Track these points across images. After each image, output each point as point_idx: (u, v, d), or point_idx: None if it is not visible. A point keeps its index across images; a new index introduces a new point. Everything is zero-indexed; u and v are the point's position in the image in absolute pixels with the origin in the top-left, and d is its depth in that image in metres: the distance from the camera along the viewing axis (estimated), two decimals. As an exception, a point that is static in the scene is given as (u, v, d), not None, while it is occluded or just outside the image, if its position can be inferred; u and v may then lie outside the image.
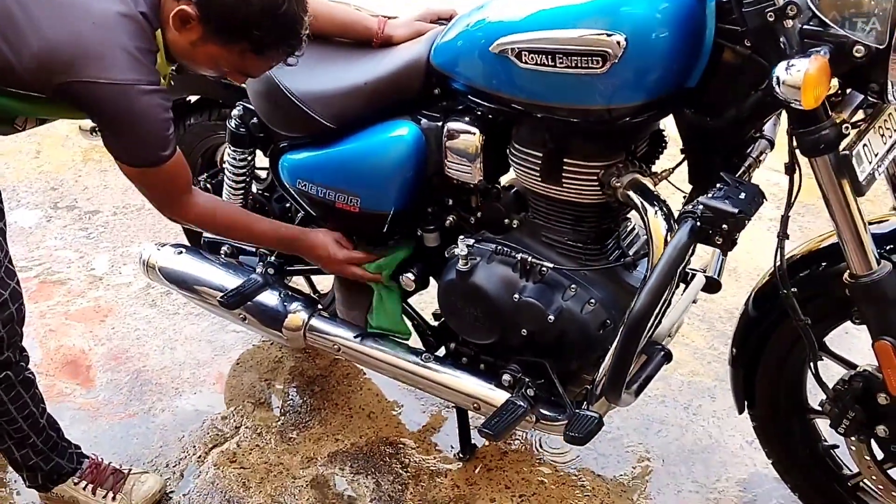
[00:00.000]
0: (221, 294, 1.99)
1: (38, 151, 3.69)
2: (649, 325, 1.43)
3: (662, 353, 1.67)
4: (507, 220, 1.76)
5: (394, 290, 1.93)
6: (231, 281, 2.07)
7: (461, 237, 1.75)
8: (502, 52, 1.49)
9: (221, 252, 2.19)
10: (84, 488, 2.03)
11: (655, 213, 1.51)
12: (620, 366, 1.45)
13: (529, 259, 1.67)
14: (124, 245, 3.06)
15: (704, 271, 1.82)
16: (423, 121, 1.75)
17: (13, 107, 1.61)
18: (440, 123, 1.72)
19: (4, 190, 3.43)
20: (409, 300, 1.99)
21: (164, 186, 1.71)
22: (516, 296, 1.68)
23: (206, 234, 2.24)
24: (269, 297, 2.04)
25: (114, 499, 2.03)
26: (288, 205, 2.13)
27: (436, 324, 1.98)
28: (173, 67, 1.67)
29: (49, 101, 1.56)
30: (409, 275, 1.88)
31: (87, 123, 2.20)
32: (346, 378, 2.39)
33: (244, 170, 2.04)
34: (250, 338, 2.55)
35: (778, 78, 1.23)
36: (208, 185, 2.22)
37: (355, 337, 1.97)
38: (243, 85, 1.92)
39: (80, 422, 2.31)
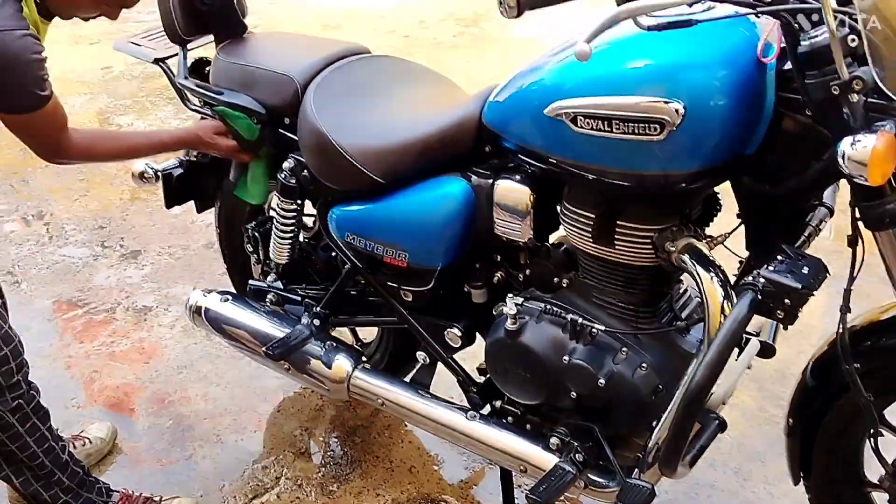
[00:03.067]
0: (267, 345, 1.99)
1: (87, 190, 3.76)
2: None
3: (717, 421, 1.63)
4: (556, 279, 1.74)
5: (262, 169, 2.06)
6: (276, 330, 2.07)
7: (509, 295, 1.73)
8: (557, 116, 1.48)
9: (266, 300, 2.20)
10: None
11: (711, 279, 1.48)
12: (677, 440, 1.42)
13: (580, 320, 1.64)
14: (168, 286, 3.09)
15: (758, 334, 1.77)
16: (474, 178, 1.74)
17: None
18: (490, 181, 1.71)
19: (52, 225, 3.53)
20: (455, 356, 1.97)
21: (47, 129, 1.75)
22: (566, 358, 1.65)
23: (252, 282, 2.25)
24: (314, 348, 2.04)
25: None
26: (333, 254, 2.13)
27: (481, 380, 1.95)
28: (48, 22, 1.72)
29: None
30: (455, 330, 1.87)
31: (137, 169, 2.22)
32: (387, 429, 2.37)
33: (292, 220, 2.05)
34: (291, 384, 2.54)
35: (843, 152, 1.20)
36: (256, 234, 2.23)
37: (400, 391, 1.95)
38: (294, 137, 1.94)
39: (122, 466, 2.32)
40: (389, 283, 1.92)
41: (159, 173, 2.23)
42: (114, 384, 2.62)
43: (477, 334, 1.91)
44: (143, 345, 2.78)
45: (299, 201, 2.02)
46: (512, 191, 1.68)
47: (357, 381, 2.00)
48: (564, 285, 1.73)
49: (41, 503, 1.99)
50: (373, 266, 1.90)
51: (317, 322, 2.04)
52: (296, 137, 1.95)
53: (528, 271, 1.78)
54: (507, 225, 1.70)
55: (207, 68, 2.20)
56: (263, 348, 1.99)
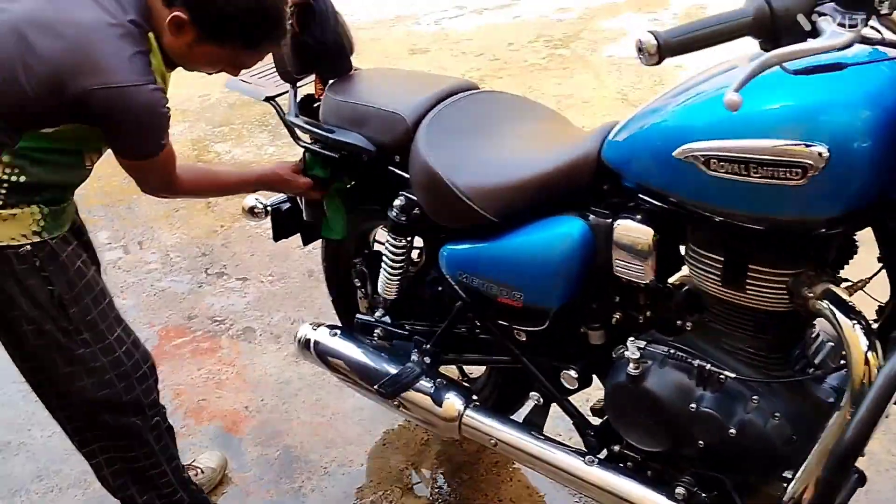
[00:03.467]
0: (379, 383, 1.98)
1: (189, 217, 3.85)
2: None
3: (856, 476, 1.54)
4: (679, 322, 1.68)
5: (336, 205, 2.16)
6: (385, 366, 2.07)
7: (631, 339, 1.68)
8: (687, 158, 1.43)
9: (374, 335, 2.20)
10: None
11: (853, 326, 1.40)
12: (826, 498, 1.35)
13: (707, 366, 1.58)
14: (271, 314, 3.12)
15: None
16: (592, 217, 1.70)
17: (60, 145, 1.66)
18: (609, 220, 1.67)
19: (157, 252, 3.62)
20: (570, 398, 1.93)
21: (161, 171, 1.80)
22: (693, 405, 1.59)
23: (359, 316, 2.25)
24: (424, 385, 2.02)
25: None
26: (440, 288, 2.12)
27: (597, 422, 1.90)
28: (171, 70, 1.75)
29: (75, 126, 1.63)
30: (572, 372, 1.83)
31: (248, 204, 2.26)
32: (494, 466, 2.34)
33: (402, 257, 2.04)
34: (395, 416, 2.54)
35: None
36: (364, 269, 2.24)
37: (514, 432, 1.92)
38: (404, 174, 1.94)
39: (232, 497, 2.35)
40: (502, 322, 1.89)
41: (269, 208, 2.26)
42: (221, 413, 2.66)
43: (593, 376, 1.87)
44: (249, 373, 2.82)
45: (409, 238, 2.01)
46: (633, 231, 1.63)
47: (469, 421, 1.98)
48: (688, 328, 1.67)
49: None
50: (485, 305, 1.87)
51: (427, 360, 2.02)
52: (406, 175, 1.95)
53: (648, 313, 1.73)
54: (627, 266, 1.66)
55: (315, 104, 2.23)
56: (376, 386, 1.99)
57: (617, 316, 1.77)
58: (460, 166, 1.81)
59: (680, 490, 1.67)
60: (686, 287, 1.69)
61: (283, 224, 2.34)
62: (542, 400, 1.94)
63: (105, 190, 4.01)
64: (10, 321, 1.74)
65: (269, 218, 2.29)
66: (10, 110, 1.59)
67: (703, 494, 1.64)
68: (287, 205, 2.30)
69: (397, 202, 1.95)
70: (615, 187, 1.67)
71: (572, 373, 1.83)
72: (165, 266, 3.50)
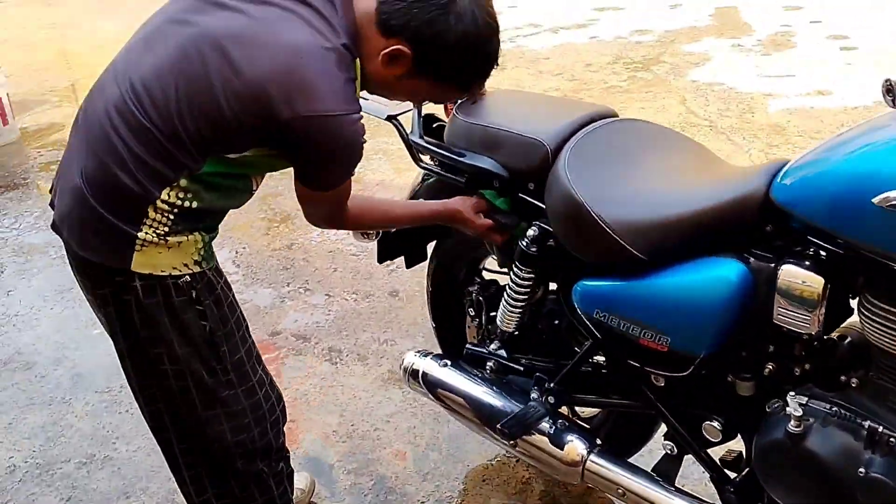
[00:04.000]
0: (501, 423, 1.88)
1: (268, 228, 3.79)
2: None
3: None
4: (842, 377, 1.55)
5: None
6: (503, 403, 1.97)
7: (791, 394, 1.56)
8: (890, 207, 1.31)
9: (486, 367, 2.09)
10: None
11: None
12: None
13: (880, 429, 1.46)
14: (356, 333, 3.04)
15: None
16: (753, 260, 1.58)
17: (236, 170, 1.58)
18: (773, 265, 1.55)
19: (239, 263, 3.56)
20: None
21: (335, 203, 1.70)
22: (861, 470, 1.47)
23: (470, 347, 2.15)
24: (544, 426, 1.92)
25: None
26: (557, 322, 2.02)
27: (734, 476, 1.78)
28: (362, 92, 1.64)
29: (262, 152, 1.54)
30: (716, 424, 1.71)
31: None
32: (603, 511, 2.23)
33: (527, 289, 1.94)
34: (493, 449, 2.43)
35: None
36: (479, 298, 2.14)
37: (645, 483, 1.81)
38: (537, 203, 1.84)
39: (327, 529, 2.26)
40: (639, 365, 1.78)
41: (380, 231, 2.18)
42: (311, 436, 2.57)
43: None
44: (337, 395, 2.73)
45: (537, 270, 1.91)
46: (801, 278, 1.51)
47: (593, 466, 1.87)
48: (853, 384, 1.55)
49: None
50: (623, 346, 1.76)
51: (551, 399, 1.92)
52: (540, 204, 1.85)
53: (807, 365, 1.60)
54: (790, 315, 1.54)
55: (435, 124, 2.14)
56: (498, 425, 1.88)
57: (770, 367, 1.64)
58: (607, 198, 1.70)
59: (839, 562, 1.54)
60: (850, 339, 1.57)
61: (390, 245, 2.26)
62: (675, 450, 1.82)
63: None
64: (153, 359, 1.62)
65: (377, 239, 2.21)
66: (200, 130, 1.48)
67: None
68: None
69: (530, 232, 1.85)
70: (780, 229, 1.56)
71: (716, 425, 1.71)
72: (247, 278, 3.44)
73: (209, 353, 1.63)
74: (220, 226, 1.69)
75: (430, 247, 2.32)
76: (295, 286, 3.36)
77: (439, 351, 2.40)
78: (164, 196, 1.51)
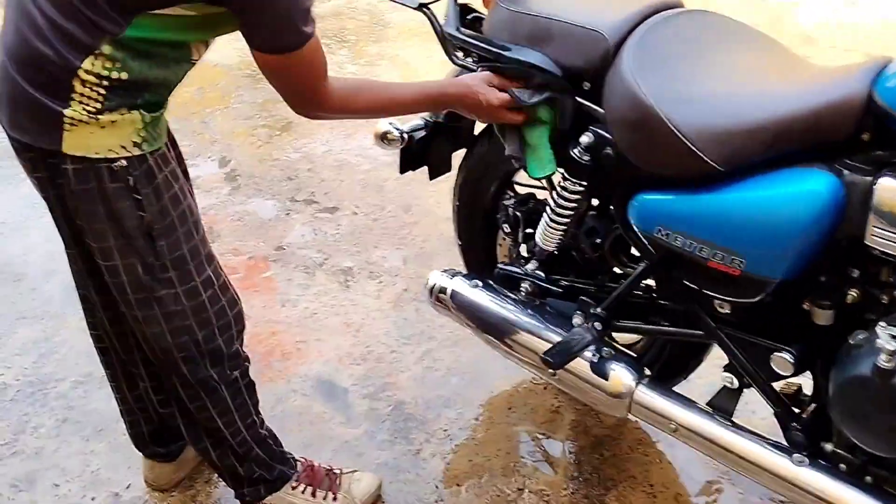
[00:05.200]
0: (546, 351, 1.70)
1: (270, 137, 3.55)
2: None
3: None
4: (940, 307, 1.38)
5: (542, 132, 1.68)
6: (544, 328, 1.80)
7: (882, 325, 1.38)
8: None
9: (522, 289, 1.91)
10: (303, 492, 1.89)
11: None
12: None
13: (984, 365, 1.29)
14: (368, 249, 2.85)
15: None
16: (847, 172, 1.39)
17: (169, 36, 1.41)
18: (870, 178, 1.36)
19: (239, 173, 3.34)
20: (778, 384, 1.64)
21: (307, 75, 1.48)
22: (966, 411, 1.31)
23: (503, 267, 1.96)
24: (587, 355, 1.75)
25: (335, 499, 1.89)
26: (599, 242, 1.83)
27: (804, 415, 1.62)
28: None
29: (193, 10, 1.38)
30: (787, 356, 1.54)
31: (381, 129, 1.96)
32: (640, 445, 2.08)
33: (575, 203, 1.74)
34: (519, 375, 2.27)
35: None
36: (517, 213, 1.94)
37: (701, 418, 1.65)
38: (594, 107, 1.63)
39: (343, 454, 2.10)
40: (702, 290, 1.60)
41: (405, 135, 1.96)
42: (323, 357, 2.40)
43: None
44: (350, 315, 2.56)
45: (589, 183, 1.71)
46: (906, 193, 1.32)
47: (642, 398, 1.71)
48: (953, 315, 1.37)
49: (234, 475, 1.84)
50: (690, 269, 1.57)
51: (598, 325, 1.74)
52: (596, 107, 1.64)
53: (896, 293, 1.43)
54: (889, 236, 1.35)
55: (470, 15, 1.90)
56: (543, 353, 1.70)
57: (854, 293, 1.46)
58: (680, 101, 1.49)
59: (928, 508, 1.39)
60: (952, 265, 1.39)
61: (414, 154, 2.04)
62: (735, 382, 1.66)
63: (176, 101, 3.70)
64: (90, 251, 1.53)
65: (401, 147, 1.99)
66: None
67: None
68: (422, 132, 1.99)
69: (584, 139, 1.64)
70: (879, 137, 1.36)
71: (788, 357, 1.53)
72: (249, 188, 3.22)
73: (145, 246, 1.51)
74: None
75: (458, 157, 2.11)
76: (300, 198, 3.14)
77: (464, 271, 2.22)
78: (86, 66, 1.37)
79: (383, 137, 1.97)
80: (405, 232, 2.92)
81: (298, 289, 2.68)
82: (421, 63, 4.09)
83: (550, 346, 1.71)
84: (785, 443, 1.59)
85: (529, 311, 1.85)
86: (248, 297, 2.59)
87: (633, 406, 1.72)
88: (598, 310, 1.75)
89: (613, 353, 1.76)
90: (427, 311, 2.52)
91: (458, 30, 1.80)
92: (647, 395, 1.71)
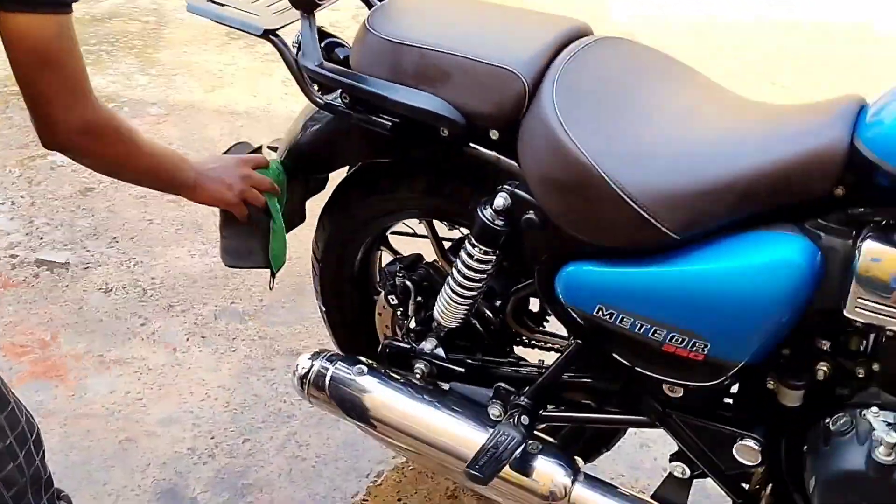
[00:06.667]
0: (471, 464, 1.38)
1: (52, 167, 2.96)
2: None
3: None
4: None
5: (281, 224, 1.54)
6: (460, 428, 1.49)
7: (872, 412, 1.19)
8: None
9: (416, 370, 1.59)
10: None
11: None
12: None
13: None
14: (194, 307, 2.39)
15: None
16: (823, 235, 1.18)
17: None
18: (851, 241, 1.16)
19: (22, 221, 2.72)
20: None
21: (68, 51, 1.15)
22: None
23: (389, 342, 1.64)
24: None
25: None
26: (497, 303, 1.54)
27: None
28: None
29: None
30: (751, 443, 1.32)
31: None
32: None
33: (484, 276, 1.43)
34: (397, 457, 1.95)
35: None
36: (406, 283, 1.60)
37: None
38: (506, 160, 1.33)
39: None
40: (646, 373, 1.34)
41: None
42: (159, 459, 1.95)
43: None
44: (185, 396, 2.11)
45: (501, 252, 1.40)
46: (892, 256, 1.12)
47: (580, 498, 1.44)
48: (941, 386, 1.20)
49: None
50: (638, 352, 1.31)
51: (524, 419, 1.44)
52: (509, 161, 1.33)
53: (874, 365, 1.24)
54: (875, 307, 1.15)
55: (325, 41, 1.53)
56: (467, 468, 1.38)
57: (824, 368, 1.27)
58: (625, 157, 1.22)
59: None
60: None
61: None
62: (687, 472, 1.42)
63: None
64: None
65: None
66: None
67: None
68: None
69: (499, 201, 1.33)
70: (855, 192, 1.16)
71: (753, 444, 1.31)
72: (32, 238, 2.64)
73: None
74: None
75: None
76: (100, 245, 2.61)
77: (329, 342, 1.88)
78: None
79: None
80: (237, 282, 2.48)
81: (114, 366, 2.19)
82: (225, 71, 3.62)
83: (473, 456, 1.39)
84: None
85: (438, 404, 1.52)
86: (46, 386, 2.10)
87: (572, 508, 1.45)
88: (522, 399, 1.45)
89: (540, 445, 1.47)
90: (282, 381, 2.14)
91: (320, 65, 1.43)
92: (586, 495, 1.44)
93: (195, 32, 3.89)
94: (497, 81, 1.30)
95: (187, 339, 2.28)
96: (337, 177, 1.68)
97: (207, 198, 1.44)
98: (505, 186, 1.33)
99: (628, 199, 1.20)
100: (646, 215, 1.20)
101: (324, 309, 1.82)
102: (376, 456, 1.95)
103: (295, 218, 1.73)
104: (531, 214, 1.32)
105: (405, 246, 1.76)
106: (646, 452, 1.91)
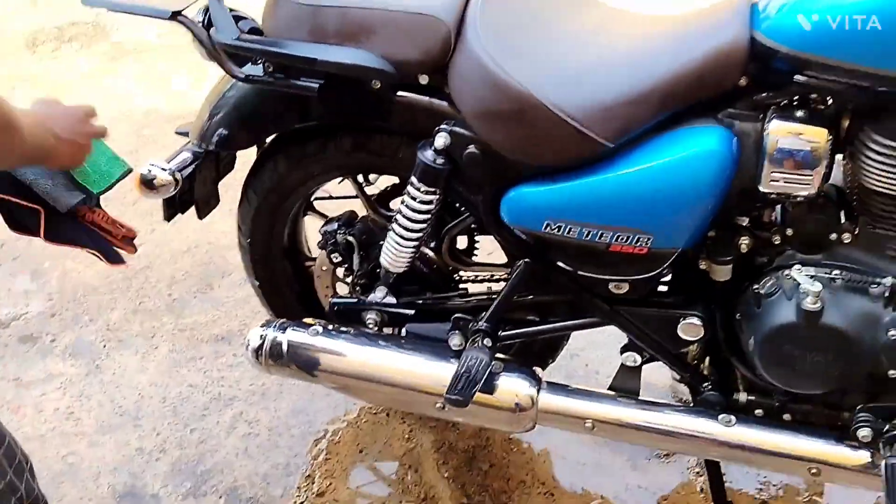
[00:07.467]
0: (449, 390, 1.47)
1: None
2: None
3: None
4: (833, 236, 1.40)
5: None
6: (427, 362, 1.57)
7: (797, 268, 1.38)
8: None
9: (368, 321, 1.65)
10: None
11: None
12: None
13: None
14: (102, 314, 2.33)
15: None
16: (736, 123, 1.33)
17: None
18: (759, 123, 1.32)
19: None
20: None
21: None
22: (893, 332, 1.34)
23: (338, 300, 1.69)
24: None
25: None
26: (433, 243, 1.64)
27: (711, 375, 1.57)
28: None
29: None
30: (694, 320, 1.47)
31: (147, 175, 1.54)
32: (511, 444, 1.93)
33: (428, 215, 1.51)
34: (351, 408, 2.01)
35: None
36: (348, 239, 1.65)
37: (613, 406, 1.55)
38: (437, 101, 1.40)
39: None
40: (593, 276, 1.48)
41: (177, 176, 1.57)
42: (109, 466, 1.91)
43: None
44: (118, 401, 2.07)
45: (442, 190, 1.48)
46: (800, 132, 1.29)
47: (547, 404, 1.56)
48: (845, 241, 1.40)
49: None
50: (586, 258, 1.44)
51: (487, 342, 1.54)
52: (442, 102, 1.41)
53: (788, 231, 1.42)
54: (787, 178, 1.32)
55: (233, 14, 1.54)
56: (446, 394, 1.47)
57: (746, 242, 1.44)
58: (557, 81, 1.33)
59: (864, 432, 1.42)
60: (834, 192, 1.41)
61: (181, 195, 1.65)
62: (638, 360, 1.57)
63: None
64: None
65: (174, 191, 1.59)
66: None
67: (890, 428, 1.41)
68: (191, 167, 1.61)
69: (439, 141, 1.40)
70: (757, 80, 1.32)
71: (695, 321, 1.47)
72: None
73: None
74: None
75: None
76: (-16, 271, 2.49)
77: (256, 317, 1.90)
78: None
79: (149, 185, 1.55)
80: (141, 280, 2.43)
81: (35, 386, 2.11)
82: (68, 78, 3.45)
83: (450, 383, 1.47)
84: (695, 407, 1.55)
85: (400, 347, 1.60)
86: None
87: (539, 415, 1.56)
88: (482, 324, 1.55)
89: (502, 365, 1.58)
90: (214, 366, 2.14)
91: (238, 38, 1.44)
92: (552, 399, 1.56)
93: (21, 42, 3.68)
94: (421, 28, 1.37)
95: (104, 346, 2.23)
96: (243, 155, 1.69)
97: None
98: (442, 127, 1.41)
99: (566, 118, 1.31)
100: (583, 129, 1.32)
101: (257, 283, 1.84)
102: (328, 417, 2.00)
103: (211, 199, 1.74)
104: (472, 149, 1.40)
105: (330, 210, 1.80)
106: (577, 361, 2.05)
